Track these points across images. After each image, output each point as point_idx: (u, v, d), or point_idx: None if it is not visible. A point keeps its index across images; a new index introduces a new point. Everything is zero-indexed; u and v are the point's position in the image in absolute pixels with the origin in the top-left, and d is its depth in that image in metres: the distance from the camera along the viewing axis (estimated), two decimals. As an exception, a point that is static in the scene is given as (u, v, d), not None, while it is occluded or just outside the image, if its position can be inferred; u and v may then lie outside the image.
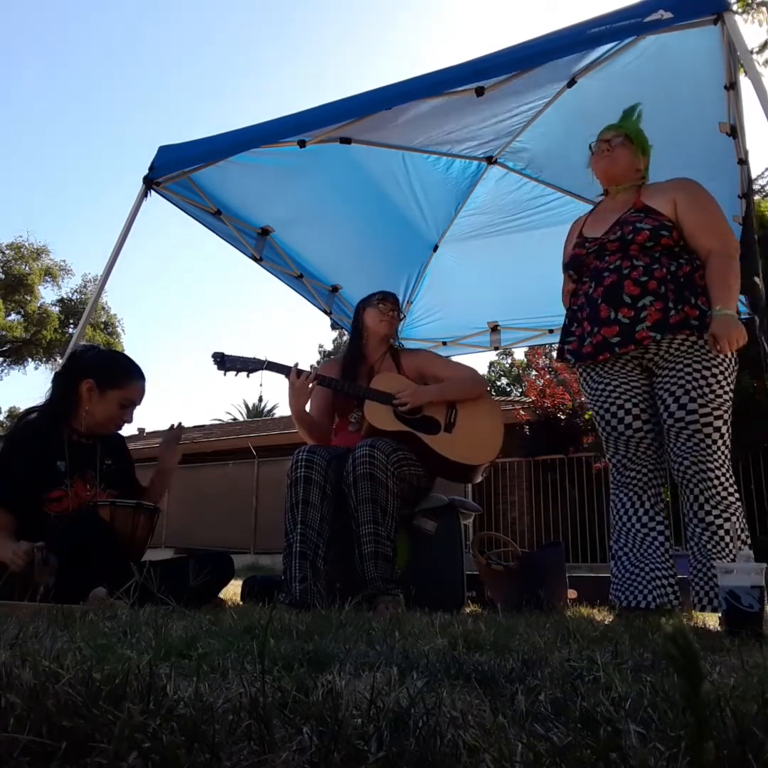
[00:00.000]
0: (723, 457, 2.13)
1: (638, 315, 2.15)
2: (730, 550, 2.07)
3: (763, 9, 5.61)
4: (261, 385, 2.73)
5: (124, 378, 2.41)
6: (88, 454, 2.38)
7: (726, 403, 2.14)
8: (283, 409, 28.15)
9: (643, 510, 2.24)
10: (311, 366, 2.90)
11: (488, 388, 2.94)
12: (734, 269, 2.19)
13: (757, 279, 2.75)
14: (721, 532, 2.09)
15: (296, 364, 2.66)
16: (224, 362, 2.65)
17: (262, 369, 2.66)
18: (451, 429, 2.67)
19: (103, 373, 2.39)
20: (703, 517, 2.12)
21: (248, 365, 2.66)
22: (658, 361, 2.21)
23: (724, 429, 2.13)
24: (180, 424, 2.67)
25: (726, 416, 2.14)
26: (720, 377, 2.13)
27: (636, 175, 2.40)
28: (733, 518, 2.10)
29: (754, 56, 5.58)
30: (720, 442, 2.12)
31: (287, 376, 2.65)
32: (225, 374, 2.66)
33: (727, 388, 2.15)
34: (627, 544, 2.23)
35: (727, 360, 2.15)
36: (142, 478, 2.63)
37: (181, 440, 2.66)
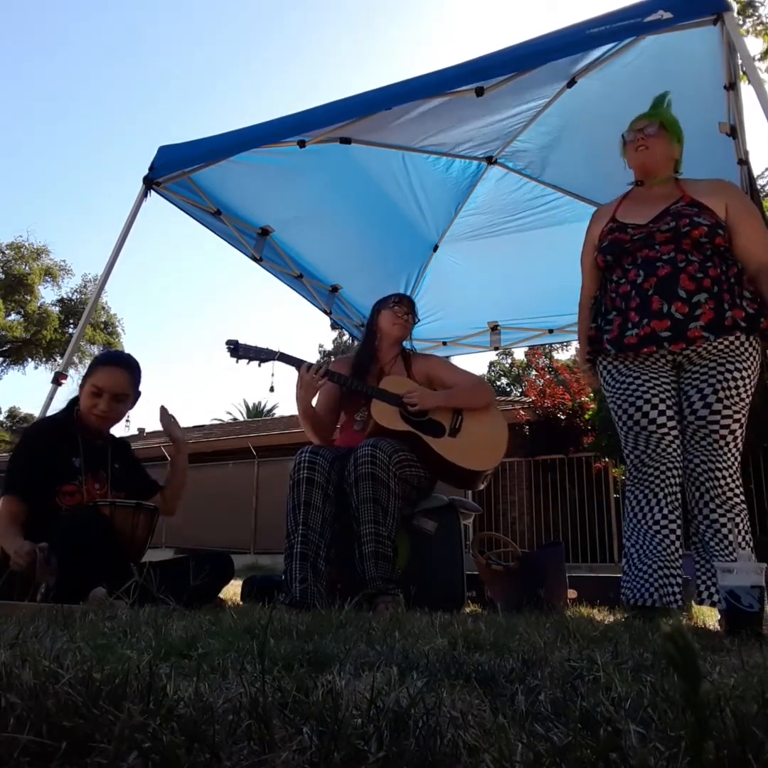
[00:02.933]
0: (733, 458, 2.13)
1: (693, 312, 2.09)
2: (734, 549, 2.07)
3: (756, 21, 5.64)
4: (273, 374, 2.73)
5: (93, 366, 2.45)
6: (100, 455, 2.43)
7: (746, 407, 2.14)
8: (283, 409, 28.17)
9: (658, 508, 2.20)
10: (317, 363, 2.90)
11: (495, 398, 2.95)
12: None
13: None
14: (725, 531, 2.09)
15: (310, 364, 2.67)
16: (237, 349, 2.67)
17: (274, 359, 2.68)
18: (455, 434, 2.68)
19: (89, 366, 2.49)
20: (708, 514, 2.12)
21: (260, 355, 2.67)
22: (693, 357, 2.17)
23: (738, 432, 2.13)
24: (162, 407, 2.64)
25: (743, 420, 2.14)
26: (747, 380, 2.13)
27: (671, 165, 2.35)
28: (737, 519, 2.09)
29: (756, 63, 5.58)
30: (733, 444, 2.12)
31: (298, 368, 2.66)
32: (237, 362, 2.68)
33: (750, 392, 2.15)
34: (637, 541, 2.21)
35: (754, 363, 2.14)
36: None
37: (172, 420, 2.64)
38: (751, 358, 2.14)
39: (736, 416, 2.12)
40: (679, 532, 2.20)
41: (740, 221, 2.20)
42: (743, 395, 2.13)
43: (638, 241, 2.23)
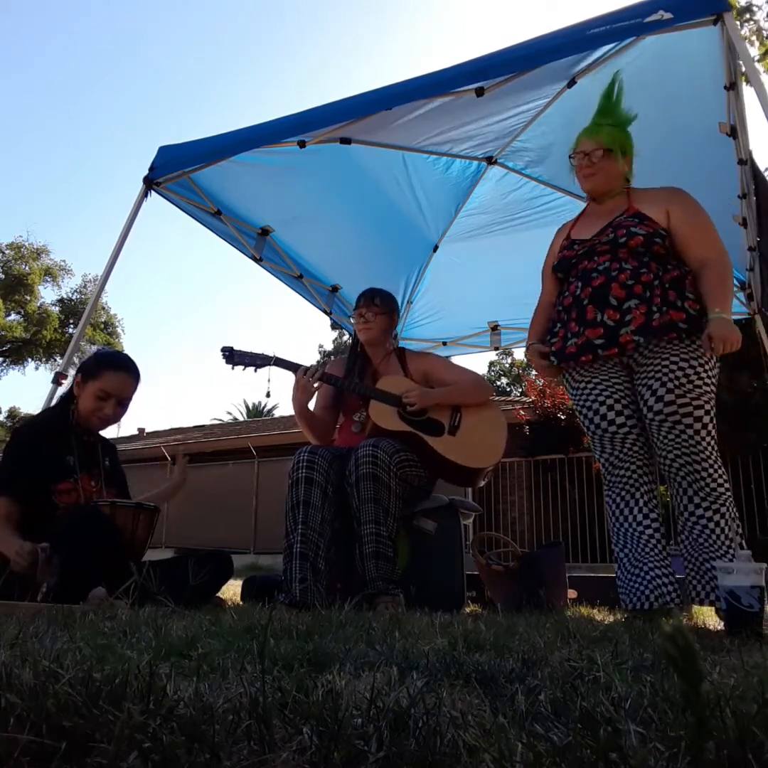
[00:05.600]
0: (710, 448, 2.11)
1: (623, 318, 2.15)
2: (723, 543, 2.06)
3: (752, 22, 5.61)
4: (269, 380, 2.72)
5: (100, 369, 2.41)
6: (92, 452, 2.43)
7: (706, 394, 2.13)
8: (284, 409, 28.17)
9: (637, 508, 2.23)
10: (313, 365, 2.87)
11: (494, 395, 2.94)
12: (731, 278, 2.25)
13: None
14: (712, 525, 2.08)
15: (306, 368, 2.66)
16: (233, 356, 2.66)
17: (270, 364, 2.67)
18: (454, 432, 2.67)
19: (88, 366, 2.43)
20: (694, 510, 2.11)
21: (256, 360, 2.67)
22: (639, 359, 2.21)
23: (707, 420, 2.12)
24: (182, 454, 2.72)
25: (708, 407, 2.13)
26: (699, 370, 2.12)
27: (621, 181, 2.40)
28: (723, 510, 2.09)
29: (757, 65, 5.55)
30: (704, 432, 2.10)
31: (294, 372, 2.66)
32: (233, 368, 2.68)
33: (707, 381, 2.14)
34: (626, 545, 2.22)
35: (706, 354, 2.14)
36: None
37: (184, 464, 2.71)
38: (701, 350, 2.13)
39: (696, 403, 2.10)
40: (661, 530, 2.22)
41: (682, 224, 2.25)
42: (697, 383, 2.11)
43: (582, 254, 2.32)
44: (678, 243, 2.25)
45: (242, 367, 2.67)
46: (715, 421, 2.15)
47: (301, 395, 2.66)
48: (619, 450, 2.26)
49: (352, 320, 2.90)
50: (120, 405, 2.43)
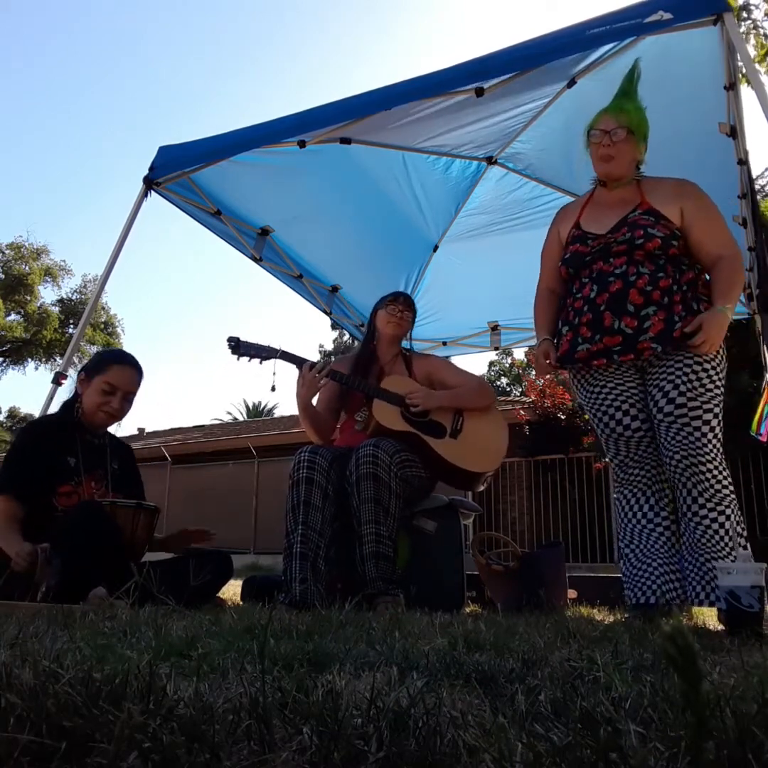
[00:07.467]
0: (715, 450, 2.11)
1: (641, 325, 2.13)
2: (725, 545, 2.06)
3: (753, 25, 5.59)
4: (274, 373, 2.71)
5: (104, 363, 2.45)
6: (99, 455, 2.43)
7: (716, 398, 2.13)
8: (284, 409, 28.17)
9: (648, 506, 2.24)
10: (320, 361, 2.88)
11: (496, 399, 2.94)
12: (742, 275, 2.24)
13: None
14: (716, 526, 2.07)
15: (312, 363, 2.65)
16: (239, 347, 2.65)
17: (275, 357, 2.66)
18: (456, 435, 2.68)
19: (91, 362, 2.49)
20: (697, 510, 2.10)
21: (262, 352, 2.66)
22: (652, 360, 2.20)
23: (714, 423, 2.12)
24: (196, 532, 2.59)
25: (716, 410, 2.13)
26: (711, 372, 2.13)
27: (634, 167, 2.35)
28: (728, 511, 2.08)
29: (757, 66, 5.54)
30: (711, 434, 2.10)
31: (300, 367, 2.65)
32: (238, 359, 2.66)
33: (717, 383, 2.14)
34: (633, 541, 2.23)
35: (718, 356, 2.15)
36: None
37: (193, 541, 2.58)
38: (713, 352, 2.13)
39: (706, 407, 2.11)
40: (672, 527, 2.22)
41: (695, 221, 2.22)
42: (709, 386, 2.12)
43: (596, 253, 2.27)
44: (691, 241, 2.21)
45: (247, 358, 2.66)
46: (722, 424, 2.15)
47: (305, 391, 2.64)
48: (634, 452, 2.28)
49: (386, 311, 2.87)
50: (125, 400, 2.44)
